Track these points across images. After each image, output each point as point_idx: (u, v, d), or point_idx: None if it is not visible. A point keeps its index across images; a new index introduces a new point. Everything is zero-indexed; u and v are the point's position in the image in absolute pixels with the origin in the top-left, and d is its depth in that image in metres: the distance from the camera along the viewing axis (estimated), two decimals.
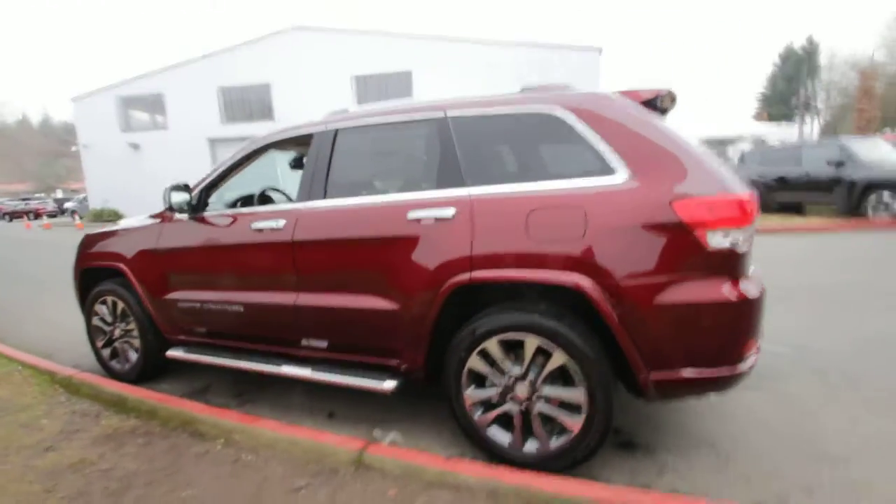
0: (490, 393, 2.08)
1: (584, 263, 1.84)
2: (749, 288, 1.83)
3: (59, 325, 4.62)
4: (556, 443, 1.98)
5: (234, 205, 3.12)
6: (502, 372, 2.04)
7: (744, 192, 1.81)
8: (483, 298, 2.14)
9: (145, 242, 3.02)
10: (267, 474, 2.12)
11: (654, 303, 1.78)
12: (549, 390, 1.96)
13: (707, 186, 1.79)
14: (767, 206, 10.26)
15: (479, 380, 2.11)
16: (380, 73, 18.81)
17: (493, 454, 2.09)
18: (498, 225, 1.99)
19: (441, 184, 2.17)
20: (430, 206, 2.13)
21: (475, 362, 2.07)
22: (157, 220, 3.04)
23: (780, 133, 21.85)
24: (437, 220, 2.09)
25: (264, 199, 3.29)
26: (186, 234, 2.87)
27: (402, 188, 2.42)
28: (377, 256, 2.23)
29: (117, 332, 3.23)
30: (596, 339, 1.90)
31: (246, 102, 20.73)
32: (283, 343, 2.61)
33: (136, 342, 3.16)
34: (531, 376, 1.98)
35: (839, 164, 9.37)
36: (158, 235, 2.97)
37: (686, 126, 2.08)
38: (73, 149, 24.86)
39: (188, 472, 2.17)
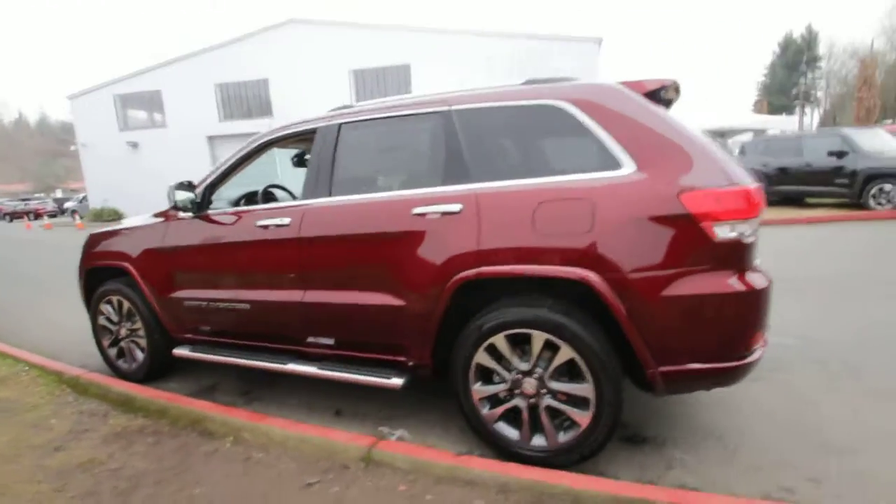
0: (498, 388, 2.08)
1: (591, 257, 1.84)
2: (756, 279, 1.83)
3: (62, 326, 4.62)
4: (564, 437, 1.99)
5: (237, 202, 3.11)
6: (510, 367, 2.04)
7: (751, 183, 1.81)
8: (488, 294, 2.14)
9: (150, 241, 3.02)
10: (279, 471, 2.13)
11: (661, 295, 1.78)
12: (557, 385, 1.97)
13: (714, 178, 1.78)
14: (768, 198, 10.21)
15: (486, 375, 2.11)
16: (378, 66, 18.64)
17: (501, 449, 2.10)
18: (505, 219, 1.99)
19: (447, 178, 2.16)
20: (437, 201, 2.12)
21: (482, 357, 2.07)
22: (162, 219, 3.03)
23: (780, 124, 21.78)
24: (444, 214, 2.09)
25: (268, 196, 3.28)
26: (191, 233, 2.86)
27: (407, 183, 2.41)
28: (384, 252, 2.23)
29: (123, 332, 3.24)
30: (604, 333, 1.90)
31: (244, 99, 20.59)
32: (290, 340, 2.61)
33: (143, 341, 3.17)
34: (539, 371, 1.99)
35: (840, 155, 9.35)
36: (163, 234, 2.97)
37: (685, 117, 2.06)
38: (72, 148, 24.77)
39: (198, 471, 2.18)
